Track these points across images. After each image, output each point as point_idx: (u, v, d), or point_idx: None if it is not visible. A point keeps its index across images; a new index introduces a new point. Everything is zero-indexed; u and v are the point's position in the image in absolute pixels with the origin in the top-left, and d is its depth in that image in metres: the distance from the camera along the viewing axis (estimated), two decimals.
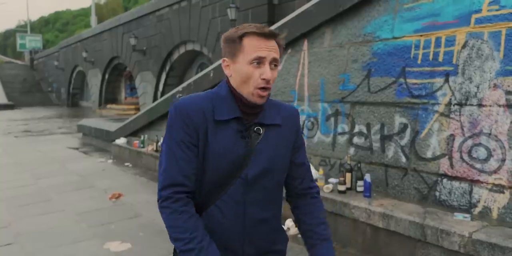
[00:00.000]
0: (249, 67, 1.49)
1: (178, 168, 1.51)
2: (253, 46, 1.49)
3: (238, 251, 1.59)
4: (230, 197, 1.54)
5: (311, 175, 1.82)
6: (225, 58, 1.56)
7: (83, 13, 67.61)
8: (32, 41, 47.12)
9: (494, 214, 3.52)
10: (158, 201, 1.53)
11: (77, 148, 11.64)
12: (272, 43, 1.51)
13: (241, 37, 1.50)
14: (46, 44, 55.27)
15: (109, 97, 25.98)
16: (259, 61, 1.49)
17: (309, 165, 1.82)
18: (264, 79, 1.49)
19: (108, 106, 25.05)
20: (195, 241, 1.47)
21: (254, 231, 1.60)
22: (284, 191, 1.77)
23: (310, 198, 1.78)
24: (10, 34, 71.53)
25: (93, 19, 33.73)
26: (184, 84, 7.80)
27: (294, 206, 1.80)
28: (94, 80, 26.52)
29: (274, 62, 1.52)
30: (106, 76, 25.11)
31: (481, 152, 3.63)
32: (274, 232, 1.68)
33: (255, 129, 1.58)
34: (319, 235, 1.72)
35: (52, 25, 73.03)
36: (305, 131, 5.35)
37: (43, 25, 73.60)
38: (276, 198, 1.67)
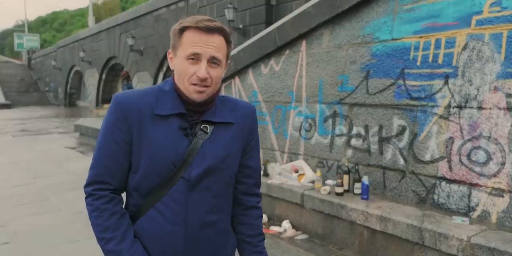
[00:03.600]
0: (185, 63, 1.41)
1: (105, 166, 1.46)
2: (191, 41, 1.39)
3: None
4: (171, 198, 1.44)
5: (258, 181, 1.70)
6: (169, 51, 1.50)
7: (81, 13, 67.57)
8: (30, 41, 46.93)
9: (493, 218, 3.49)
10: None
11: (74, 148, 11.59)
12: (214, 39, 1.41)
13: (181, 31, 1.42)
14: (44, 44, 55.16)
15: (106, 97, 25.88)
16: (195, 57, 1.39)
17: (259, 170, 1.71)
18: (198, 76, 1.40)
19: (105, 106, 24.91)
20: (114, 242, 1.41)
21: (199, 236, 1.49)
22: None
23: (251, 209, 1.67)
24: (7, 34, 71.40)
25: (90, 19, 33.73)
26: None
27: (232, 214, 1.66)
28: (91, 80, 26.46)
29: (213, 60, 1.41)
30: (103, 76, 25.07)
31: (481, 155, 3.60)
32: (222, 236, 1.58)
33: (201, 127, 1.48)
34: (257, 248, 1.66)
35: (50, 25, 72.96)
36: (302, 133, 5.32)
37: (40, 25, 73.51)
38: (224, 200, 1.56)
